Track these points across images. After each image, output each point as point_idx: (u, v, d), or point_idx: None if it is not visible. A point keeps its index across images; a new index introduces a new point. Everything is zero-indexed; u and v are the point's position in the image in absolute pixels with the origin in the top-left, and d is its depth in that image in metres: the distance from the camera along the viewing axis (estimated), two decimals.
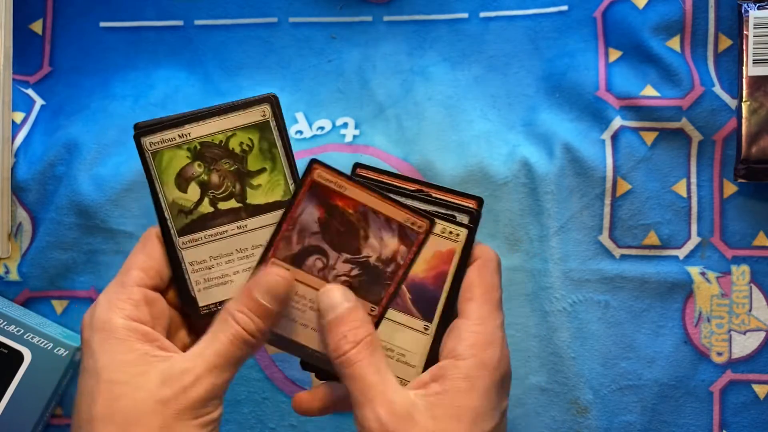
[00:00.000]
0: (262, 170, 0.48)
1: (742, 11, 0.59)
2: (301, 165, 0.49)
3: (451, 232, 0.48)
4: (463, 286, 0.48)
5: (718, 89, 0.60)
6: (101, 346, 0.46)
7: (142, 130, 0.48)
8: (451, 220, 0.49)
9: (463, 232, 0.48)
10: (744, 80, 0.59)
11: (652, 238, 0.60)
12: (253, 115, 0.48)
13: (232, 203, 0.48)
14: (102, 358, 0.45)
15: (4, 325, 0.59)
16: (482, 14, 0.64)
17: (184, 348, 0.47)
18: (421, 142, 0.61)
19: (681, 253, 0.61)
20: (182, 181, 0.48)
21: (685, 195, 0.61)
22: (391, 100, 0.63)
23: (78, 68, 0.64)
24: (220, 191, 0.48)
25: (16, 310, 0.61)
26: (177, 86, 0.63)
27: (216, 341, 0.46)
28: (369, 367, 0.46)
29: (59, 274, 0.62)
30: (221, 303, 0.49)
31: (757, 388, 0.60)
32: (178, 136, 0.47)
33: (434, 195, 0.49)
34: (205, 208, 0.48)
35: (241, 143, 0.48)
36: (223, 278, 0.49)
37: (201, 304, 0.49)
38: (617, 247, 0.61)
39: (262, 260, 0.48)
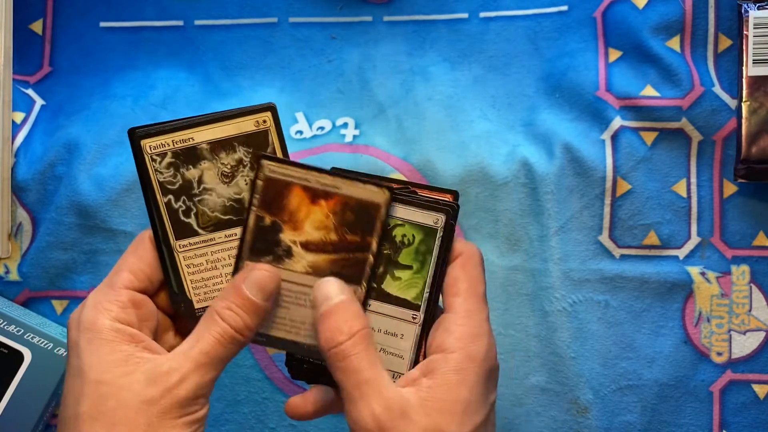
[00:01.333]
0: (408, 267, 0.49)
1: (742, 11, 0.59)
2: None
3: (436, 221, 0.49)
4: (448, 282, 0.48)
5: (718, 89, 0.60)
6: (88, 346, 0.46)
7: (139, 134, 0.49)
8: (431, 207, 0.49)
9: (442, 218, 0.49)
10: (744, 80, 0.59)
11: (652, 238, 0.60)
12: (427, 218, 0.49)
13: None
14: (88, 358, 0.45)
15: (4, 325, 0.59)
16: (482, 14, 0.64)
17: (171, 350, 0.47)
18: (421, 142, 0.61)
19: (681, 253, 0.61)
20: None
21: (685, 195, 0.61)
22: (391, 100, 0.63)
23: (78, 68, 0.64)
24: None
25: (16, 310, 0.61)
26: (177, 86, 0.63)
27: (202, 340, 0.46)
28: (364, 361, 0.45)
29: (59, 274, 0.62)
30: None
31: (757, 388, 0.60)
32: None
33: (419, 193, 0.50)
34: None
35: (404, 235, 0.49)
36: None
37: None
38: (617, 247, 0.61)
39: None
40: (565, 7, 0.63)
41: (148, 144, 0.48)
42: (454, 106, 0.62)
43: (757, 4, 0.59)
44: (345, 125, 0.63)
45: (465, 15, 0.64)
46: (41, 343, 0.59)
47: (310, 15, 0.64)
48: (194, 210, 0.49)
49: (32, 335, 0.59)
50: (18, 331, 0.59)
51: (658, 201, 0.60)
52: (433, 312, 0.49)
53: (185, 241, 0.49)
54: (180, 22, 0.64)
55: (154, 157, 0.48)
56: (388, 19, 0.64)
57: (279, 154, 0.48)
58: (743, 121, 0.59)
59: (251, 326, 0.47)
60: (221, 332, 0.46)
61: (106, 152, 0.62)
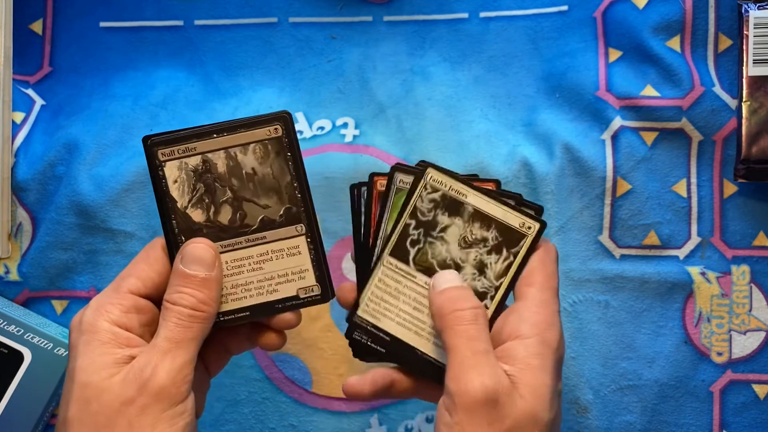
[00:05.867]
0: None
1: (742, 11, 0.59)
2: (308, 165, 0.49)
3: (529, 227, 0.50)
4: (525, 273, 0.50)
5: (718, 89, 0.60)
6: (84, 347, 0.46)
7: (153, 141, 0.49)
8: (529, 214, 0.50)
9: (536, 226, 0.50)
10: (744, 80, 0.59)
11: (652, 238, 0.60)
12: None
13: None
14: (81, 360, 0.46)
15: (4, 325, 0.59)
16: (482, 14, 0.64)
17: None
18: (421, 142, 0.61)
19: (681, 253, 0.61)
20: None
21: (685, 195, 0.61)
22: (391, 100, 0.63)
23: (78, 68, 0.64)
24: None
25: (16, 310, 0.61)
26: (177, 86, 0.63)
27: (162, 328, 0.46)
28: (484, 333, 0.47)
29: (59, 274, 0.62)
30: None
31: (757, 388, 0.60)
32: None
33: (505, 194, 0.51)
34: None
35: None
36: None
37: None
38: (617, 247, 0.61)
39: None
40: (565, 7, 0.63)
41: (430, 174, 0.51)
42: (454, 106, 0.62)
43: (757, 4, 0.59)
44: (345, 125, 0.63)
45: (465, 15, 0.64)
46: (41, 343, 0.59)
47: (310, 15, 0.64)
48: (421, 245, 0.51)
49: (32, 335, 0.59)
50: (18, 331, 0.59)
51: (658, 201, 0.60)
52: (504, 300, 0.51)
53: (393, 261, 0.51)
54: (180, 22, 0.65)
55: (429, 185, 0.51)
56: (388, 19, 0.64)
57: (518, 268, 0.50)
58: (743, 121, 0.59)
59: (205, 299, 0.47)
60: (177, 314, 0.46)
61: (106, 152, 0.62)
